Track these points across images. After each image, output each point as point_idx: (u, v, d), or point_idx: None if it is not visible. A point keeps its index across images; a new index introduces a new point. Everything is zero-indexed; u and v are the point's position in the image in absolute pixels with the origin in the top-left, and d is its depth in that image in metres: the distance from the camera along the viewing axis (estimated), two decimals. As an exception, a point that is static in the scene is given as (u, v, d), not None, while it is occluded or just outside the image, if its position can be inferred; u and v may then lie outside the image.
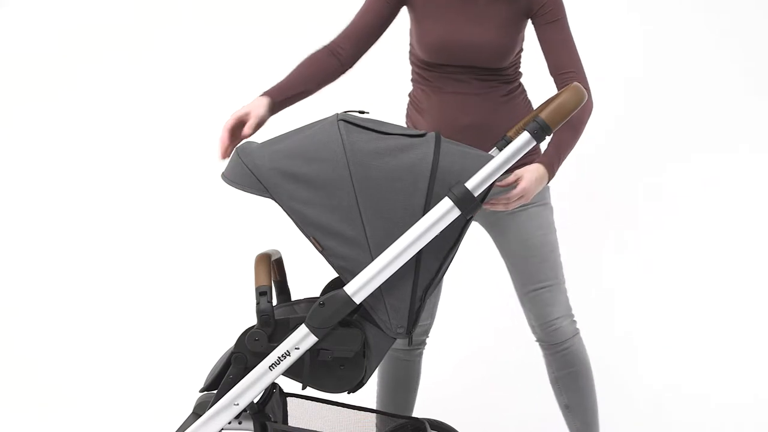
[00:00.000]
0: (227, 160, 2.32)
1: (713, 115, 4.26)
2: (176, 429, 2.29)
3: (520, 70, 2.73)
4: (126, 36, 4.42)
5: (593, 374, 2.78)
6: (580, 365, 2.74)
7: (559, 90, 2.60)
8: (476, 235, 2.85)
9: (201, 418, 2.23)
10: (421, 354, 2.92)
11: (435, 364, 3.24)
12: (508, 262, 2.75)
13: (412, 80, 2.76)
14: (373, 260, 2.15)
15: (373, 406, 2.58)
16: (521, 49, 2.70)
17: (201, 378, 2.37)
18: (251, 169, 2.19)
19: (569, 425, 2.81)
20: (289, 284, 2.50)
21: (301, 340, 2.17)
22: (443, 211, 2.15)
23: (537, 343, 2.79)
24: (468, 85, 2.63)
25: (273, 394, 2.45)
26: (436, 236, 2.15)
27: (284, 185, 2.17)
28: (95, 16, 4.44)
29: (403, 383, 2.91)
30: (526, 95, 2.74)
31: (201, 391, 2.35)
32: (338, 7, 4.27)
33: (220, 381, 2.24)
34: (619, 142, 4.23)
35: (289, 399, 2.51)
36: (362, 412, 2.53)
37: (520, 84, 2.72)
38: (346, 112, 2.30)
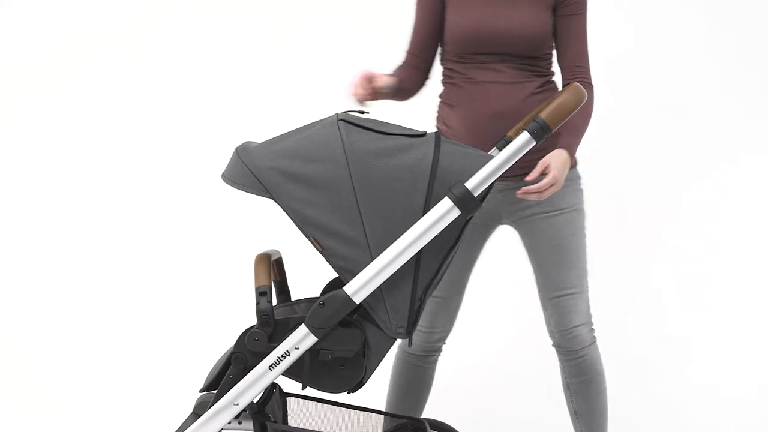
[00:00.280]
0: (226, 160, 2.32)
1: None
2: (176, 429, 2.29)
3: (552, 69, 2.72)
4: (126, 36, 4.41)
5: (606, 384, 2.76)
6: (593, 374, 2.73)
7: (564, 81, 2.66)
8: (502, 238, 2.86)
9: (201, 418, 2.23)
10: (435, 361, 2.89)
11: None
12: (535, 265, 2.73)
13: (442, 81, 2.74)
14: (373, 260, 2.15)
15: (373, 406, 2.57)
16: (552, 47, 2.69)
17: (201, 378, 2.37)
18: (251, 169, 2.19)
19: (576, 431, 2.81)
20: (289, 284, 2.50)
21: (300, 340, 2.17)
22: (443, 211, 2.15)
23: (553, 348, 2.77)
24: (502, 74, 2.61)
25: (273, 394, 2.45)
26: (436, 236, 2.15)
27: (284, 185, 2.17)
28: (95, 16, 4.44)
29: (414, 388, 2.87)
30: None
31: (201, 391, 2.35)
32: (338, 7, 4.31)
33: (220, 381, 2.24)
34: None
35: (289, 399, 2.51)
36: (362, 412, 2.53)
37: (553, 82, 2.71)
38: (346, 112, 2.30)
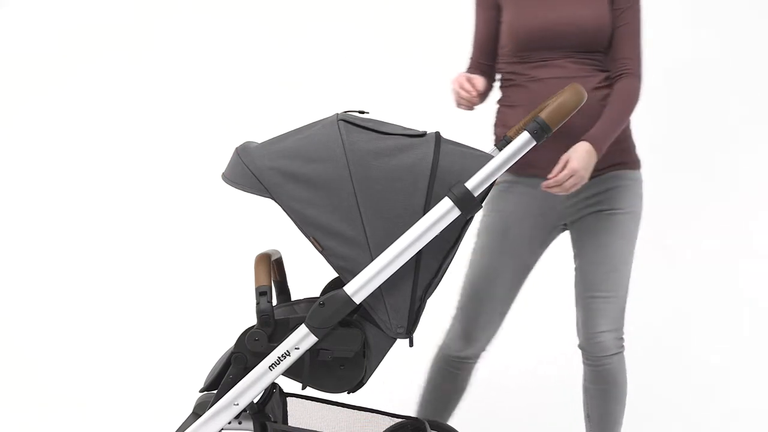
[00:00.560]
0: (226, 160, 2.31)
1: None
2: (176, 429, 2.29)
3: None
4: (126, 36, 4.42)
5: (625, 396, 2.71)
6: (612, 385, 2.68)
7: (612, 74, 2.63)
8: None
9: (201, 418, 2.23)
10: (471, 367, 2.80)
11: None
12: (578, 262, 2.71)
13: (501, 87, 2.73)
14: (373, 260, 2.15)
15: (373, 406, 2.57)
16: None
17: (201, 378, 2.37)
18: (251, 169, 2.19)
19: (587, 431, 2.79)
20: (289, 284, 2.50)
21: (301, 340, 2.17)
22: (443, 211, 2.15)
23: (578, 349, 2.72)
24: (565, 70, 2.60)
25: (273, 394, 2.45)
26: (436, 236, 2.15)
27: (284, 185, 2.17)
28: (95, 16, 4.44)
29: (447, 393, 2.80)
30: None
31: (201, 391, 2.34)
32: (338, 7, 4.31)
33: (220, 381, 2.23)
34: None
35: (289, 399, 2.51)
36: (362, 412, 2.53)
37: (611, 79, 2.66)
38: (346, 112, 2.30)
